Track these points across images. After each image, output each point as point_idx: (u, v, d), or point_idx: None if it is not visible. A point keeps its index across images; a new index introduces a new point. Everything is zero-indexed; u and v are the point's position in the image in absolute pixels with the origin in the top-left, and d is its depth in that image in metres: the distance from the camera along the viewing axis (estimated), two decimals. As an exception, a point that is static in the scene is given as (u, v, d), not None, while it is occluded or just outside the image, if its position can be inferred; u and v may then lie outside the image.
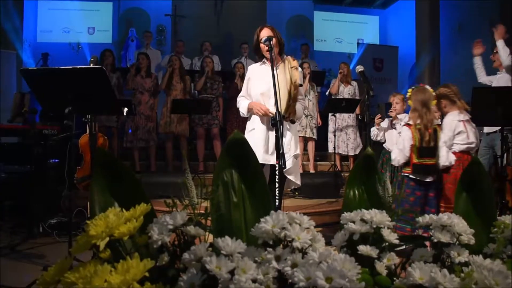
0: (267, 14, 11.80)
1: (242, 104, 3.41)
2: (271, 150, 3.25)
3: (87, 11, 11.72)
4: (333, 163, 7.20)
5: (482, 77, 5.22)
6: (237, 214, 1.20)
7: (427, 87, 3.78)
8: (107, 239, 1.03)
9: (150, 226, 1.06)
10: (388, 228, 1.13)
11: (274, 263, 0.99)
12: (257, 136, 3.25)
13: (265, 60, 3.35)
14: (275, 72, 2.81)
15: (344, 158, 7.58)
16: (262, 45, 3.27)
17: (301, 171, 6.81)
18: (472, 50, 5.28)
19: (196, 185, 1.21)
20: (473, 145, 3.64)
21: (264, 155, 3.19)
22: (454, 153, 3.59)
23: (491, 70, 5.23)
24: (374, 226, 1.12)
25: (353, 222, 1.14)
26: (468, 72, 5.24)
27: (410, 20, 10.60)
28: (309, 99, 6.88)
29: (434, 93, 3.74)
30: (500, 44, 5.04)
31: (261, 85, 3.29)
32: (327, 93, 7.58)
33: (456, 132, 3.60)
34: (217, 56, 8.69)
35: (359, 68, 3.42)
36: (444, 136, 3.60)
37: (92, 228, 1.04)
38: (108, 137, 6.25)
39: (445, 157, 3.55)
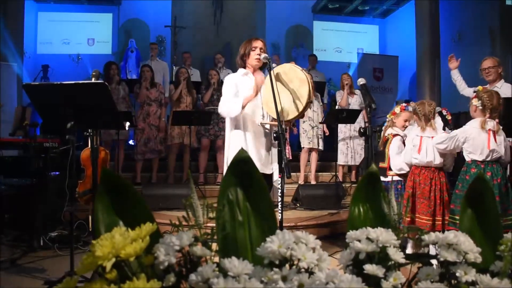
0: (266, 23, 11.86)
1: (234, 104, 3.30)
2: (263, 160, 3.34)
3: (87, 22, 11.81)
4: (334, 173, 7.19)
5: (465, 89, 5.12)
6: (242, 232, 1.19)
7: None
8: (114, 260, 1.02)
9: (157, 247, 1.06)
10: (394, 246, 1.12)
11: (281, 284, 0.98)
12: (249, 147, 3.27)
13: (249, 72, 3.48)
14: (274, 85, 2.91)
15: (348, 168, 7.58)
16: (254, 55, 3.40)
17: (302, 182, 6.80)
18: (448, 64, 5.28)
19: (200, 197, 1.20)
20: (422, 161, 3.74)
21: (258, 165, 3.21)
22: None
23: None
24: (380, 245, 1.11)
25: (359, 240, 1.14)
26: (468, 81, 5.22)
27: (409, 29, 10.64)
28: (313, 110, 6.83)
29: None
30: (455, 74, 5.17)
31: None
32: (337, 106, 7.45)
33: (412, 146, 3.85)
34: (229, 70, 8.45)
35: (361, 81, 3.43)
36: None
37: (98, 248, 1.03)
38: (114, 149, 6.27)
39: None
